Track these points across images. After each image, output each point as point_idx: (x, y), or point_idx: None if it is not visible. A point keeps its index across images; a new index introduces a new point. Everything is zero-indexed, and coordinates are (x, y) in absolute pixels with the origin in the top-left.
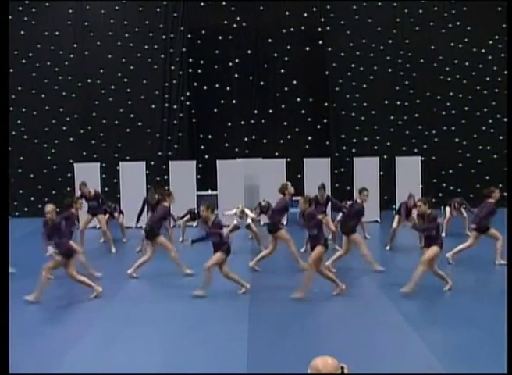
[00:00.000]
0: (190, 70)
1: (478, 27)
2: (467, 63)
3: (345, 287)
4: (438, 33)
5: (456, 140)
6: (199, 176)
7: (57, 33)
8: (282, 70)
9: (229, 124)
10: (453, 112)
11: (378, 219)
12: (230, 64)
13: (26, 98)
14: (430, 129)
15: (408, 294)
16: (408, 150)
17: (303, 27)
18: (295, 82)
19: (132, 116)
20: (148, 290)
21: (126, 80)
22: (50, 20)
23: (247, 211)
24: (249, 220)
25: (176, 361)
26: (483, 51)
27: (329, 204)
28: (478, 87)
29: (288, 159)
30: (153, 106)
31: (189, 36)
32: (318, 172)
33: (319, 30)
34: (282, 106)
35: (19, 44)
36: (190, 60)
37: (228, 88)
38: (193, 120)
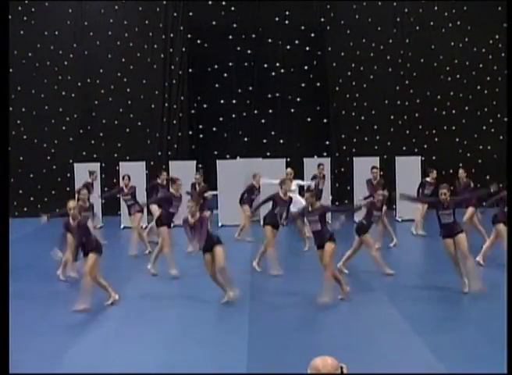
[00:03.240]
0: (190, 70)
1: (478, 27)
2: (467, 63)
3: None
4: (438, 33)
5: (457, 140)
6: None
7: (57, 33)
8: (282, 70)
9: (229, 124)
10: (453, 112)
11: None
12: (230, 64)
13: (26, 98)
14: (430, 129)
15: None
16: (408, 150)
17: (303, 27)
18: (295, 82)
19: (132, 115)
20: (149, 290)
21: (125, 79)
22: (50, 20)
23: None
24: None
25: (175, 361)
26: (483, 51)
27: None
28: (478, 87)
29: (288, 159)
30: (153, 106)
31: (188, 36)
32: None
33: (319, 30)
34: (282, 106)
35: (18, 44)
36: (190, 60)
37: (228, 88)
38: (193, 120)
